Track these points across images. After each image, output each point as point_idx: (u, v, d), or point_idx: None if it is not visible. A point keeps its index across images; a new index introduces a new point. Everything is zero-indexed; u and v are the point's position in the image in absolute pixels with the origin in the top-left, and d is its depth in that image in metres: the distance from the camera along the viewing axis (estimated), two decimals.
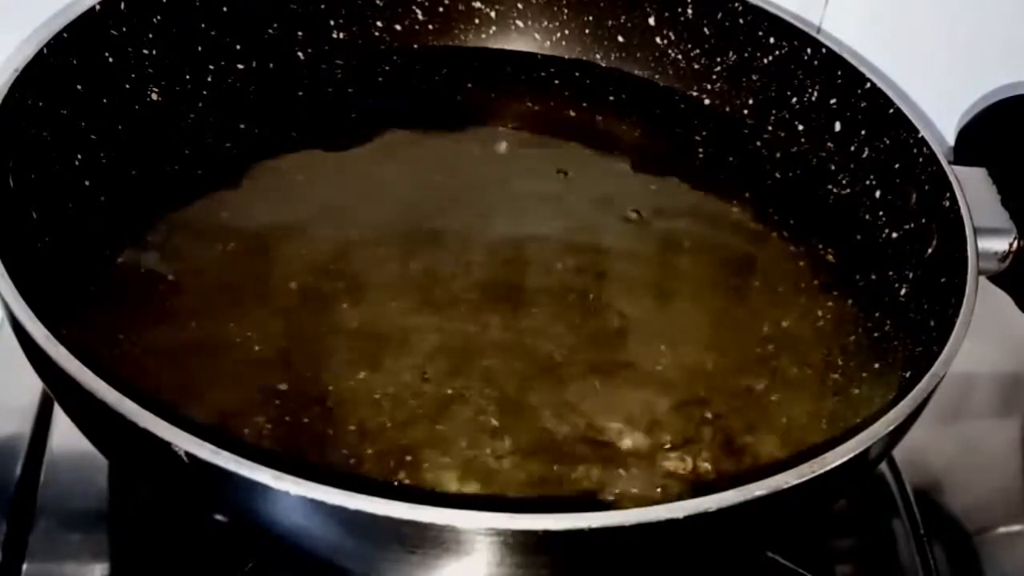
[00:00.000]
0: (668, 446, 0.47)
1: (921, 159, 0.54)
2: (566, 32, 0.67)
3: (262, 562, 0.46)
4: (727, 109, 0.65)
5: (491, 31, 0.67)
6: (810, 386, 0.50)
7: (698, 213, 0.59)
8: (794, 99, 0.62)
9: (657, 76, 0.67)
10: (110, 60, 0.56)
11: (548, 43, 0.68)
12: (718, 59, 0.65)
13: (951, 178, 0.52)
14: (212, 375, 0.47)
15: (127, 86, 0.57)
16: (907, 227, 0.55)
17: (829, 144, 0.61)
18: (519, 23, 0.67)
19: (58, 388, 0.41)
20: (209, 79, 0.61)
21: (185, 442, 0.35)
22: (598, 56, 0.67)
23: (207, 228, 0.53)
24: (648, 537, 0.35)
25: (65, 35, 0.52)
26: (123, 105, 0.56)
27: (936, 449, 0.59)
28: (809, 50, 0.61)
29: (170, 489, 0.42)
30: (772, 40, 0.62)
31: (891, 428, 0.40)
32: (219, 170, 0.57)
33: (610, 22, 0.67)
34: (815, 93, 0.61)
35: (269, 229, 0.54)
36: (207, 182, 0.56)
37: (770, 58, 0.63)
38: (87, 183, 0.53)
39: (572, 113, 0.65)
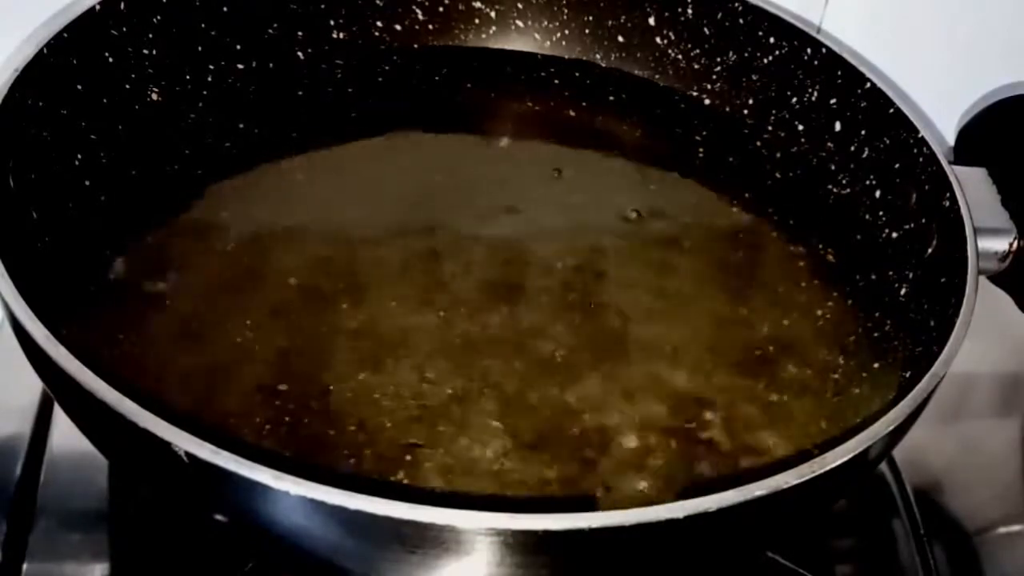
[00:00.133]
0: (668, 446, 0.47)
1: (921, 159, 0.54)
2: (566, 32, 0.67)
3: (262, 562, 0.46)
4: (727, 109, 0.65)
5: (491, 31, 0.67)
6: (810, 386, 0.50)
7: (698, 213, 0.59)
8: (794, 99, 0.62)
9: (657, 76, 0.67)
10: (110, 60, 0.56)
11: (548, 43, 0.68)
12: (718, 59, 0.65)
13: (951, 178, 0.52)
14: (212, 375, 0.47)
15: (127, 86, 0.57)
16: (907, 227, 0.55)
17: (829, 144, 0.61)
18: (519, 23, 0.67)
19: (58, 388, 0.41)
20: (209, 79, 0.61)
21: (185, 442, 0.35)
22: (598, 56, 0.67)
23: (207, 228, 0.53)
24: (648, 537, 0.35)
25: (65, 35, 0.52)
26: (123, 105, 0.56)
27: (936, 449, 0.59)
28: (809, 50, 0.61)
29: (170, 489, 0.42)
30: (772, 40, 0.62)
31: (891, 428, 0.40)
32: (219, 170, 0.57)
33: (610, 22, 0.67)
34: (815, 93, 0.61)
35: (269, 229, 0.54)
36: (207, 182, 0.56)
37: (770, 58, 0.63)
38: (87, 183, 0.53)
39: (572, 113, 0.65)
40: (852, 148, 0.60)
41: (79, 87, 0.54)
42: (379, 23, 0.66)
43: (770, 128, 0.64)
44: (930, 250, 0.53)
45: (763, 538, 0.45)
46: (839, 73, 0.60)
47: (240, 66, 0.62)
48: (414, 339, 0.50)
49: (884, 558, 0.54)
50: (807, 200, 0.60)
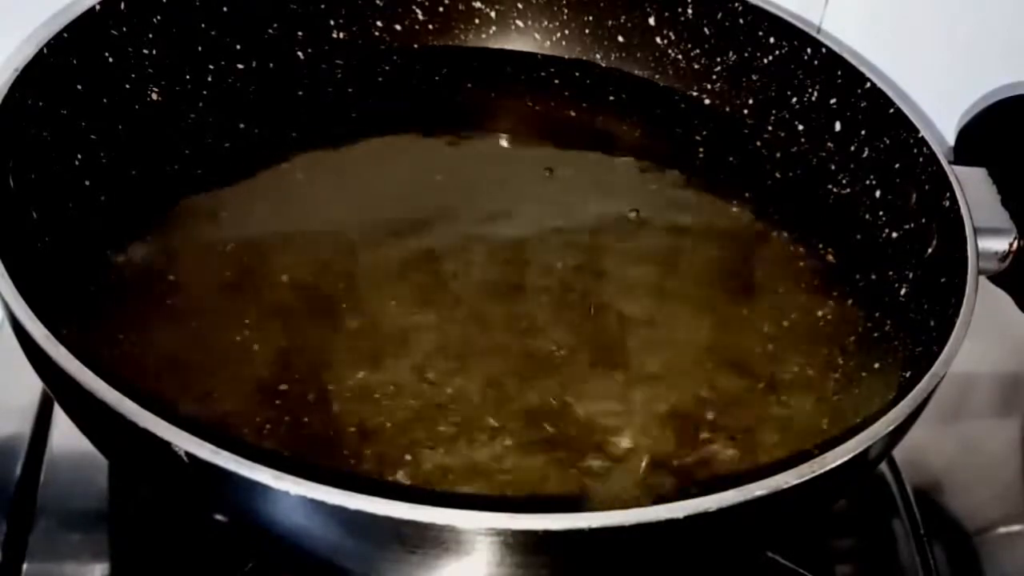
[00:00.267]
0: (668, 446, 0.47)
1: (921, 159, 0.54)
2: (566, 32, 0.67)
3: (262, 562, 0.46)
4: (727, 109, 0.65)
5: (491, 31, 0.67)
6: (810, 386, 0.50)
7: (698, 213, 0.59)
8: (794, 99, 0.62)
9: (657, 76, 0.67)
10: (110, 60, 0.56)
11: (548, 43, 0.68)
12: (718, 59, 0.65)
13: (951, 178, 0.52)
14: (212, 375, 0.47)
15: (127, 86, 0.57)
16: (907, 227, 0.55)
17: (829, 144, 0.61)
18: (519, 23, 0.67)
19: (58, 388, 0.41)
20: (209, 79, 0.61)
21: (185, 442, 0.35)
22: (598, 56, 0.67)
23: (207, 228, 0.54)
24: (648, 537, 0.35)
25: (65, 35, 0.52)
26: (123, 105, 0.56)
27: (936, 449, 0.59)
28: (809, 50, 0.61)
29: (170, 489, 0.42)
30: (772, 40, 0.62)
31: (891, 428, 0.40)
32: (219, 170, 0.57)
33: (610, 22, 0.67)
34: (815, 93, 0.61)
35: (269, 229, 0.54)
36: (207, 182, 0.56)
37: (770, 58, 0.63)
38: (87, 183, 0.53)
39: (572, 113, 0.65)
40: (852, 148, 0.60)
41: (79, 87, 0.54)
42: (379, 23, 0.66)
43: (770, 128, 0.64)
44: (930, 250, 0.53)
45: (763, 538, 0.45)
46: (839, 73, 0.60)
47: (240, 66, 0.62)
48: (414, 339, 0.50)
49: (884, 558, 0.54)
50: (807, 200, 0.60)
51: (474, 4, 0.67)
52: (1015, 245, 0.53)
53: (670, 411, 0.48)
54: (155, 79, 0.58)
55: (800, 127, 0.62)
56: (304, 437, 0.45)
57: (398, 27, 0.66)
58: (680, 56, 0.66)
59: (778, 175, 0.62)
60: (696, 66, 0.66)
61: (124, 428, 0.36)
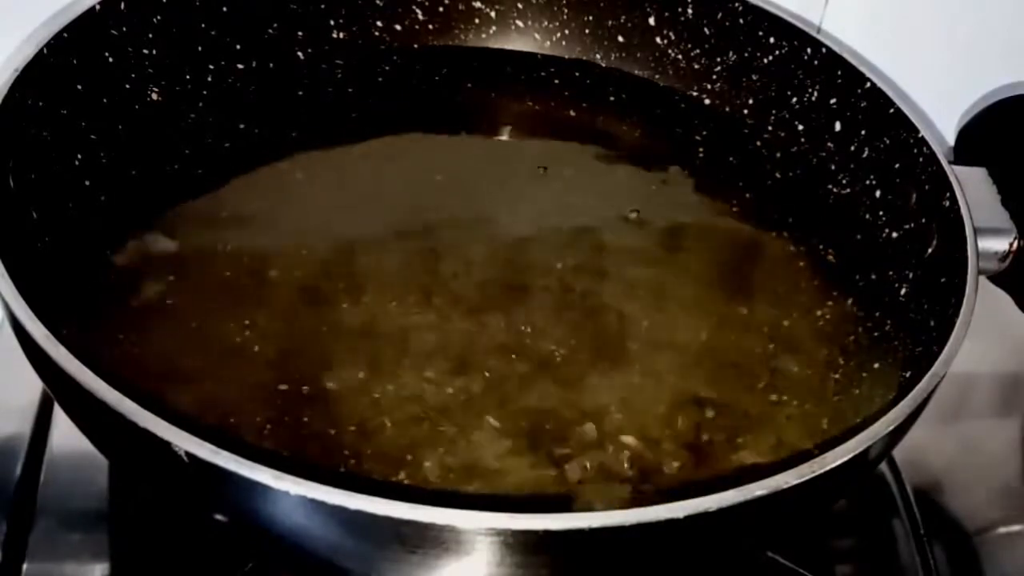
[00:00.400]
0: (668, 446, 0.47)
1: (921, 159, 0.54)
2: (566, 32, 0.67)
3: (262, 562, 0.46)
4: (727, 109, 0.65)
5: (491, 31, 0.67)
6: (810, 386, 0.50)
7: (698, 213, 0.59)
8: (794, 99, 0.62)
9: (657, 76, 0.67)
10: (110, 60, 0.56)
11: (548, 43, 0.68)
12: (718, 59, 0.65)
13: (951, 178, 0.52)
14: (212, 376, 0.47)
15: (127, 86, 0.57)
16: (907, 227, 0.55)
17: (829, 144, 0.61)
18: (519, 23, 0.67)
19: (58, 388, 0.41)
20: (209, 79, 0.61)
21: (185, 442, 0.35)
22: (598, 56, 0.67)
23: (207, 228, 0.53)
24: (648, 537, 0.35)
25: (65, 35, 0.52)
26: (123, 105, 0.56)
27: (936, 449, 0.59)
28: (809, 50, 0.61)
29: (170, 489, 0.42)
30: (772, 40, 0.62)
31: (891, 428, 0.40)
32: (219, 170, 0.57)
33: (610, 22, 0.67)
34: (815, 93, 0.61)
35: (269, 229, 0.54)
36: (207, 182, 0.56)
37: (770, 58, 0.63)
38: (87, 183, 0.53)
39: (572, 113, 0.65)
40: (852, 148, 0.60)
41: (79, 87, 0.54)
42: (379, 23, 0.66)
43: (770, 128, 0.64)
44: (930, 250, 0.53)
45: (763, 538, 0.45)
46: (839, 73, 0.60)
47: (240, 66, 0.62)
48: (414, 339, 0.50)
49: (884, 558, 0.54)
50: (807, 200, 0.60)
51: (474, 4, 0.67)
52: (1015, 245, 0.53)
53: (670, 411, 0.48)
54: (155, 79, 0.58)
55: (800, 127, 0.62)
56: (304, 437, 0.45)
57: (398, 27, 0.66)
58: (680, 56, 0.66)
59: (778, 175, 0.62)
60: (696, 66, 0.66)
61: (124, 428, 0.36)
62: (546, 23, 0.67)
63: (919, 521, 0.55)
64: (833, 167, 0.61)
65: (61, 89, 0.52)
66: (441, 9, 0.66)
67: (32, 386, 0.54)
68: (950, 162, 0.53)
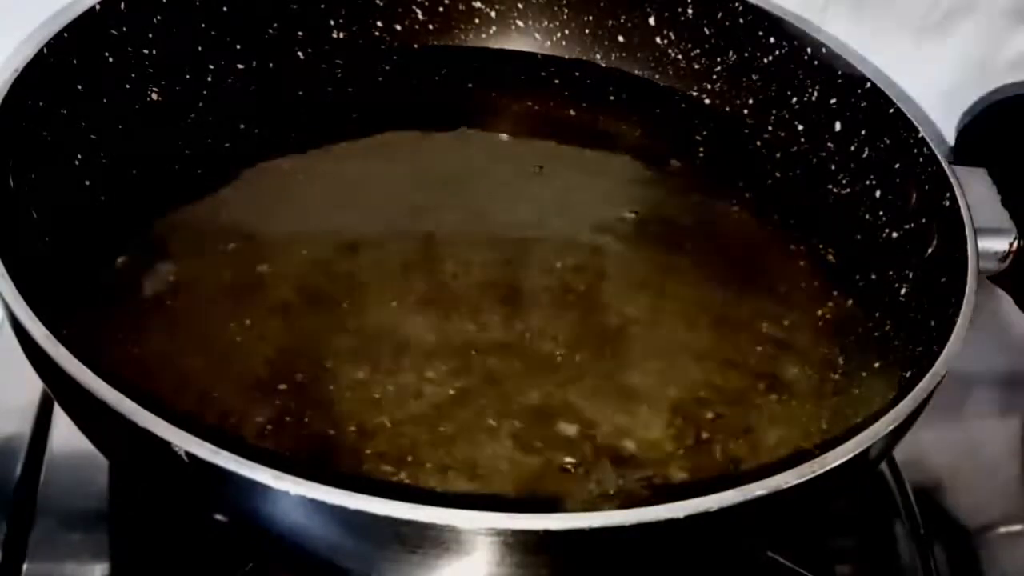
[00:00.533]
0: (668, 446, 0.47)
1: (921, 159, 0.54)
2: (566, 32, 0.67)
3: (262, 562, 0.46)
4: (727, 109, 0.65)
5: (491, 31, 0.67)
6: (810, 386, 0.50)
7: (698, 213, 0.59)
8: (794, 99, 0.62)
9: (657, 76, 0.67)
10: (110, 60, 0.56)
11: (548, 43, 0.68)
12: (718, 59, 0.65)
13: (951, 178, 0.52)
14: (212, 375, 0.47)
15: (127, 86, 0.57)
16: (907, 227, 0.55)
17: (829, 144, 0.61)
18: (519, 23, 0.67)
19: (58, 388, 0.41)
20: (209, 79, 0.61)
21: (185, 442, 0.35)
22: (598, 56, 0.67)
23: (207, 228, 0.53)
24: (648, 537, 0.35)
25: (65, 35, 0.52)
26: (123, 105, 0.56)
27: (936, 449, 0.59)
28: (809, 50, 0.61)
29: (170, 489, 0.42)
30: (772, 40, 0.62)
31: (891, 428, 0.40)
32: (219, 170, 0.57)
33: (610, 22, 0.67)
34: (815, 93, 0.61)
35: (269, 229, 0.54)
36: (207, 182, 0.56)
37: (770, 58, 0.63)
38: (87, 183, 0.53)
39: (572, 113, 0.65)
40: (852, 148, 0.60)
41: (79, 87, 0.54)
42: (379, 23, 0.66)
43: (770, 128, 0.64)
44: (930, 250, 0.53)
45: (763, 538, 0.45)
46: (839, 73, 0.60)
47: (240, 66, 0.62)
48: (414, 339, 0.50)
49: (884, 558, 0.54)
50: (807, 200, 0.60)
51: (474, 4, 0.67)
52: (1015, 245, 0.53)
53: (670, 411, 0.48)
54: (155, 79, 0.58)
55: (800, 127, 0.62)
56: (304, 437, 0.45)
57: (398, 27, 0.66)
58: (680, 56, 0.66)
59: (778, 175, 0.62)
60: (696, 66, 0.66)
61: (124, 428, 0.36)
62: (546, 23, 0.67)
63: (919, 521, 0.55)
64: (833, 167, 0.61)
65: (61, 89, 0.52)
66: (441, 9, 0.66)
67: (32, 386, 0.54)
68: (950, 162, 0.53)
